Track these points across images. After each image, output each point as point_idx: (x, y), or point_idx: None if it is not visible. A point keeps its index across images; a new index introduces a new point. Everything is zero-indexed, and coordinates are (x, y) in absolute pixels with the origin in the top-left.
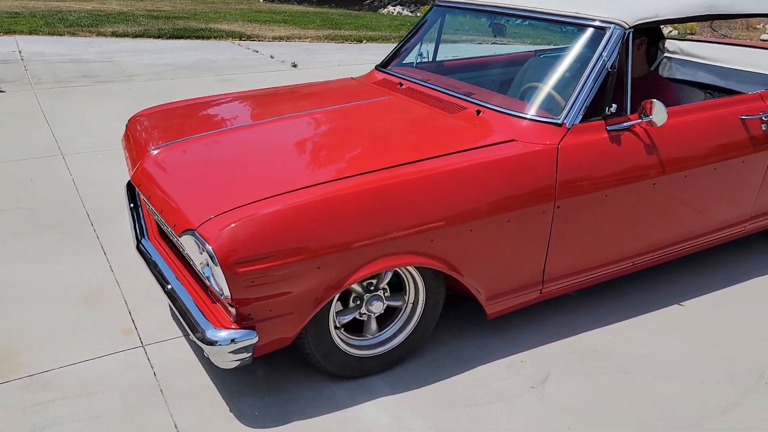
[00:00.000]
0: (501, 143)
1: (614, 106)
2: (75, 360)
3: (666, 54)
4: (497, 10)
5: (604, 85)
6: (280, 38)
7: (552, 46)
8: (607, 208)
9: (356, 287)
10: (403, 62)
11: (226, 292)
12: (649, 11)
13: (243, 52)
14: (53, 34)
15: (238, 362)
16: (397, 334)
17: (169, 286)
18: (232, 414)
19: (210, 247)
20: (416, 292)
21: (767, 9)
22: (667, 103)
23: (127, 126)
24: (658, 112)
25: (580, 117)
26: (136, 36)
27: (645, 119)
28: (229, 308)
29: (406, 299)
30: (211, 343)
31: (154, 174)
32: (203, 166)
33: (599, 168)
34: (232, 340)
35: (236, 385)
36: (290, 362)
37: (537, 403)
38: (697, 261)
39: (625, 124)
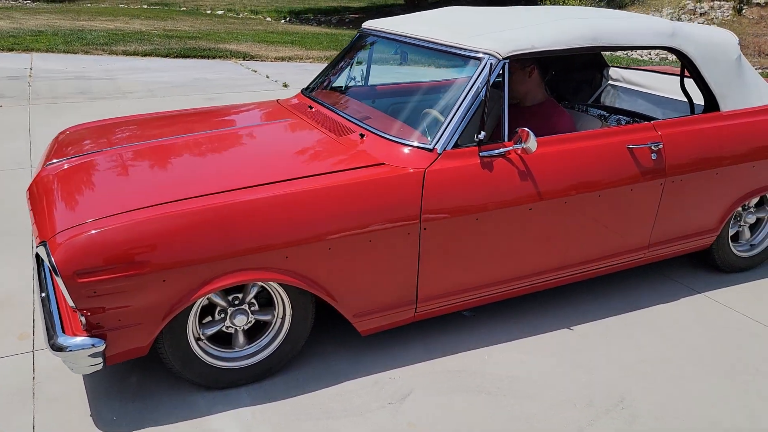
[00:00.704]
0: (369, 166)
1: (483, 133)
2: None
3: (610, 82)
4: (401, 39)
5: (482, 112)
6: (282, 58)
7: (444, 75)
8: (480, 231)
9: (220, 301)
10: (331, 86)
11: (70, 302)
12: (526, 43)
13: (241, 72)
14: (68, 52)
15: (91, 368)
16: (266, 347)
17: (43, 294)
18: (90, 417)
19: (53, 259)
20: (284, 306)
21: (650, 41)
22: (558, 130)
23: (53, 140)
24: (533, 140)
25: (453, 143)
26: (145, 54)
27: (519, 146)
28: (80, 317)
29: (276, 314)
30: (60, 348)
31: (41, 186)
32: (88, 181)
33: (469, 192)
34: (79, 347)
35: (106, 390)
36: (164, 370)
37: (389, 418)
38: (592, 286)
39: (498, 151)
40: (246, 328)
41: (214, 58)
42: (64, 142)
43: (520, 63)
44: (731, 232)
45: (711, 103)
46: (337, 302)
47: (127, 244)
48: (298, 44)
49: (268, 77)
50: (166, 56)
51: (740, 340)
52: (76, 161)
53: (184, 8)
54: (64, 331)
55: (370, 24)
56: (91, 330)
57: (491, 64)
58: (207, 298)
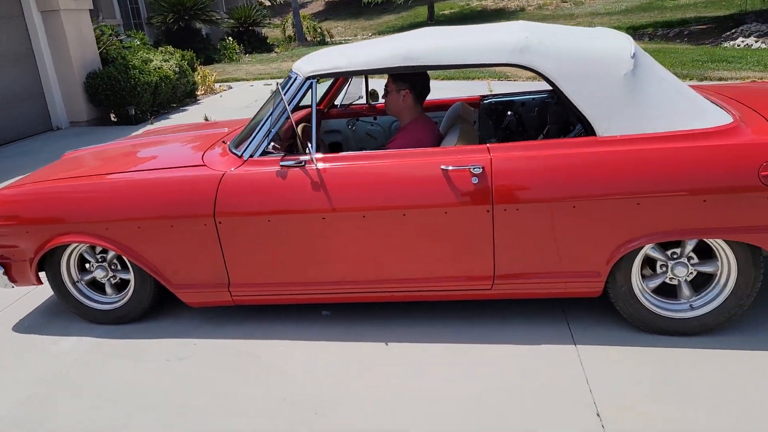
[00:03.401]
0: (191, 166)
1: (271, 144)
2: None
3: None
4: None
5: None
6: (529, 78)
7: None
8: (275, 232)
9: (87, 256)
10: None
11: None
12: (329, 65)
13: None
14: None
15: (6, 286)
16: (119, 300)
17: None
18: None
19: None
20: (133, 274)
21: (492, 59)
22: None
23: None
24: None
25: (260, 151)
26: None
27: (308, 157)
28: None
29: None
30: None
31: None
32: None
33: (262, 196)
34: None
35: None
36: None
37: (157, 367)
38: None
39: (291, 162)
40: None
41: (479, 78)
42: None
43: (397, 86)
44: (650, 284)
45: (585, 125)
46: (157, 274)
47: (8, 205)
48: None
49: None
50: (442, 79)
51: None
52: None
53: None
54: None
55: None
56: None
57: (298, 82)
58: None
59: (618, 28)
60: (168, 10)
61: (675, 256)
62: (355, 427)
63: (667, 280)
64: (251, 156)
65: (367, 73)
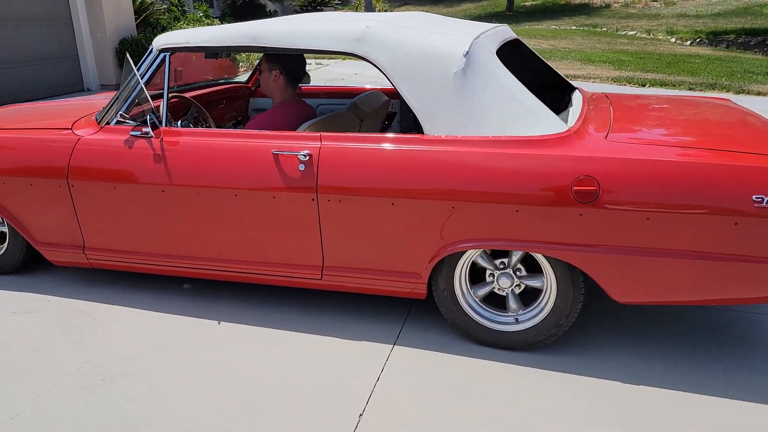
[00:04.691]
0: (57, 129)
1: (119, 114)
2: None
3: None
4: None
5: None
6: (568, 76)
7: None
8: (120, 200)
9: None
10: None
11: None
12: (180, 39)
13: None
14: None
15: None
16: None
17: None
18: None
19: None
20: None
21: (332, 46)
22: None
23: None
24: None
25: (116, 120)
26: None
27: (144, 130)
28: None
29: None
30: None
31: None
32: None
33: (108, 163)
34: None
35: None
36: None
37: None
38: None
39: (139, 132)
40: None
41: None
42: None
43: (269, 66)
44: (479, 292)
45: (417, 122)
46: (21, 230)
47: None
48: (618, 64)
49: None
50: None
51: None
52: None
53: (605, 28)
54: None
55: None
56: None
57: (152, 55)
58: None
59: (699, 32)
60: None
61: (502, 267)
62: (128, 395)
63: (496, 291)
64: (108, 123)
65: (217, 50)
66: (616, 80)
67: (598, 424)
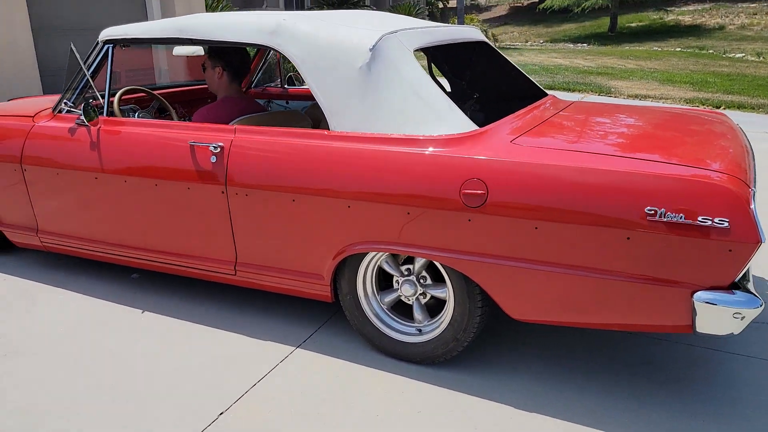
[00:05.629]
0: (20, 116)
1: (64, 102)
2: None
3: None
4: None
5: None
6: (637, 96)
7: None
8: (63, 185)
9: None
10: None
11: None
12: (120, 32)
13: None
14: None
15: None
16: None
17: None
18: None
19: None
20: None
21: (248, 38)
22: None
23: None
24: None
25: (67, 108)
26: None
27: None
28: None
29: None
30: None
31: None
32: None
33: (53, 149)
34: None
35: None
36: None
37: None
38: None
39: (80, 120)
40: None
41: (575, 91)
42: None
43: (212, 63)
44: (385, 299)
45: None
46: None
47: None
48: (700, 86)
49: None
50: (543, 87)
51: None
52: None
53: (712, 51)
54: None
55: None
56: None
57: (98, 47)
58: None
59: None
60: (329, 2)
61: (407, 273)
62: (15, 370)
63: (403, 299)
64: (59, 112)
65: (152, 42)
66: (690, 101)
67: None
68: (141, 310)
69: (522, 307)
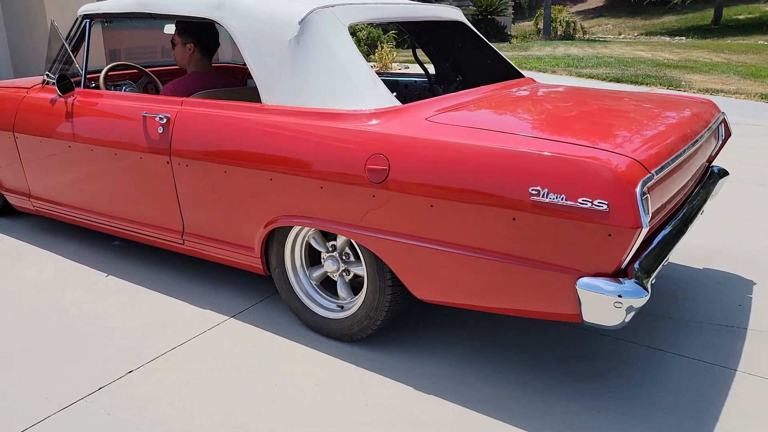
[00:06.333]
0: (20, 87)
1: (46, 74)
2: None
3: None
4: None
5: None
6: (708, 90)
7: None
8: (45, 153)
9: None
10: None
11: None
12: (94, 7)
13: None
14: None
15: None
16: None
17: None
18: None
19: None
20: None
21: (195, 12)
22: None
23: None
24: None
25: (51, 80)
26: (590, 77)
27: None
28: None
29: None
30: None
31: None
32: None
33: (36, 119)
34: None
35: None
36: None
37: None
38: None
39: (56, 94)
40: None
41: (642, 84)
42: None
43: (182, 39)
44: (313, 274)
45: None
46: None
47: None
48: None
49: None
50: (603, 80)
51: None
52: None
53: None
54: None
55: None
56: None
57: (77, 22)
58: None
59: None
60: None
61: (332, 250)
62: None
63: (329, 275)
64: (46, 84)
65: (121, 17)
66: (765, 97)
67: (344, 420)
68: (105, 274)
69: (424, 287)
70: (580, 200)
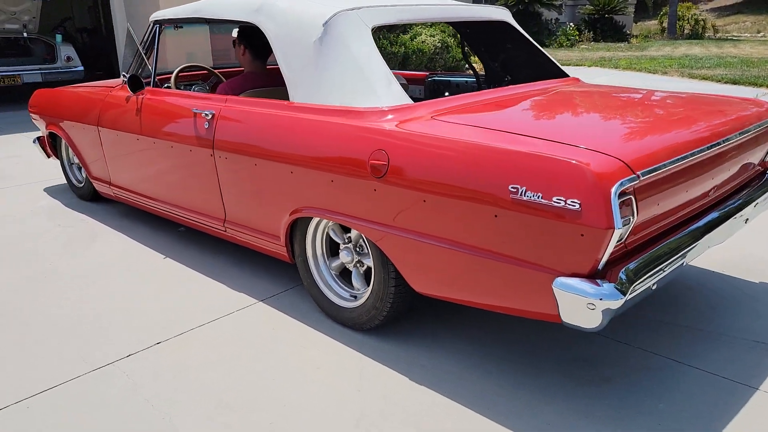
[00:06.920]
0: (107, 87)
1: (125, 76)
2: None
3: None
4: None
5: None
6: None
7: None
8: (120, 145)
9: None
10: None
11: None
12: (162, 14)
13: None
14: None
15: None
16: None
17: None
18: None
19: None
20: None
21: (237, 16)
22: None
23: None
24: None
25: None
26: (702, 78)
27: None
28: None
29: None
30: None
31: None
32: None
33: (114, 114)
34: None
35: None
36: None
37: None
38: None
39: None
40: None
41: (759, 86)
42: None
43: (238, 41)
44: (333, 264)
45: None
46: (83, 165)
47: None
48: None
49: None
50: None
51: None
52: None
53: None
54: None
55: None
56: None
57: (149, 27)
58: None
59: None
60: None
61: (348, 241)
62: (40, 277)
63: (347, 266)
64: (125, 83)
65: (182, 22)
66: None
67: (333, 404)
68: (163, 256)
69: (420, 280)
70: (554, 199)
